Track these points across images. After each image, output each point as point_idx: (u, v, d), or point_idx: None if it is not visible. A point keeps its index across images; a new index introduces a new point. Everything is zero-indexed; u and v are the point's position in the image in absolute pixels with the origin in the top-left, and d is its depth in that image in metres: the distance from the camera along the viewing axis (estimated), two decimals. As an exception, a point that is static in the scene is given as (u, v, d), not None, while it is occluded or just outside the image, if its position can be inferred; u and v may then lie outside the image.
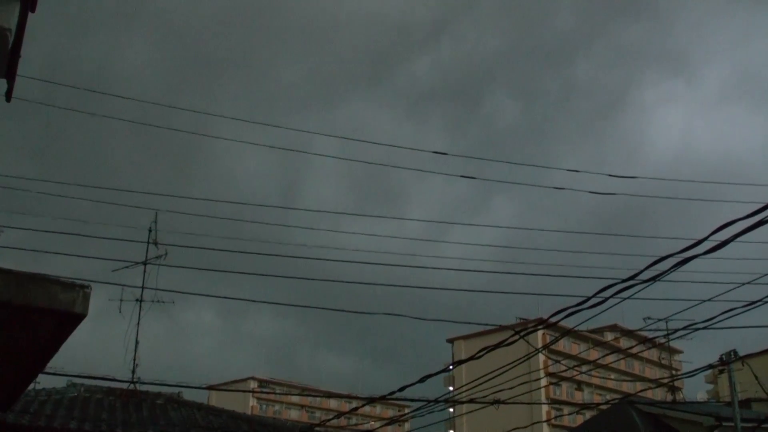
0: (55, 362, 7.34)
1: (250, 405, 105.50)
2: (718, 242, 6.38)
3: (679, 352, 73.64)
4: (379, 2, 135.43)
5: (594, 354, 73.19)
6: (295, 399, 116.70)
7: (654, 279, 7.59)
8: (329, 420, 34.79)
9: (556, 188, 18.11)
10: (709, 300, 12.17)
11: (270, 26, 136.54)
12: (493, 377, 13.06)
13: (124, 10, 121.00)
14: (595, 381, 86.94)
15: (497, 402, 16.10)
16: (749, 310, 9.57)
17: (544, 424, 72.93)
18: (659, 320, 20.92)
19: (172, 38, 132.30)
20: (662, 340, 24.37)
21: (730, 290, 11.72)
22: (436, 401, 14.69)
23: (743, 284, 11.57)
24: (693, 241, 6.61)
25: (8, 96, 7.19)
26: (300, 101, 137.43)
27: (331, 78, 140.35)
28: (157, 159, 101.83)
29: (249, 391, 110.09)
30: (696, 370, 16.88)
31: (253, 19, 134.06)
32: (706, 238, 6.42)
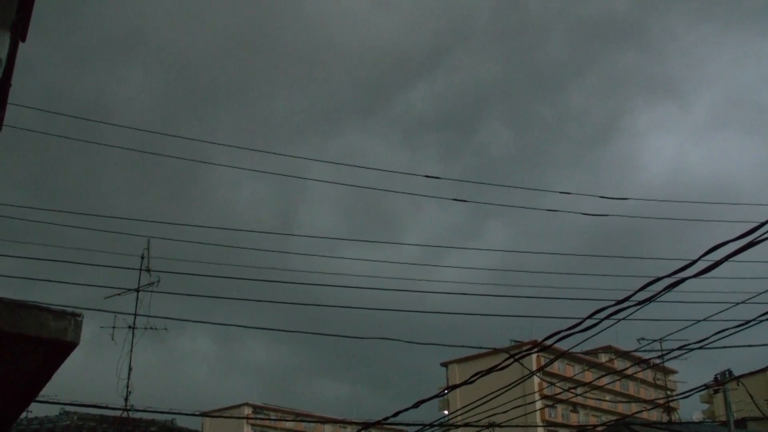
0: (48, 390, 7.31)
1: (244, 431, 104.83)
2: (710, 263, 6.39)
3: (674, 372, 73.55)
4: (375, 32, 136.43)
5: (589, 376, 73.01)
6: (289, 425, 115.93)
7: (647, 301, 7.59)
8: (324, 445, 34.52)
9: (548, 210, 18.15)
10: (702, 320, 12.18)
11: (266, 56, 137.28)
12: (488, 401, 13.02)
13: (122, 40, 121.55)
14: (591, 402, 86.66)
15: (492, 425, 16.05)
16: (743, 329, 9.58)
17: (540, 447, 72.60)
18: (653, 341, 20.94)
19: (169, 69, 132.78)
20: (657, 361, 24.36)
21: (724, 310, 11.73)
22: (431, 425, 14.64)
23: (736, 304, 11.59)
24: (685, 263, 6.62)
25: (-1, 125, 7.20)
26: (296, 130, 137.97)
27: (327, 107, 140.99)
28: (154, 187, 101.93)
29: (243, 418, 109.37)
30: (691, 390, 16.88)
31: (250, 49, 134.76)
32: (697, 260, 6.44)
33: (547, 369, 72.45)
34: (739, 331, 9.62)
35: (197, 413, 22.00)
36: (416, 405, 11.76)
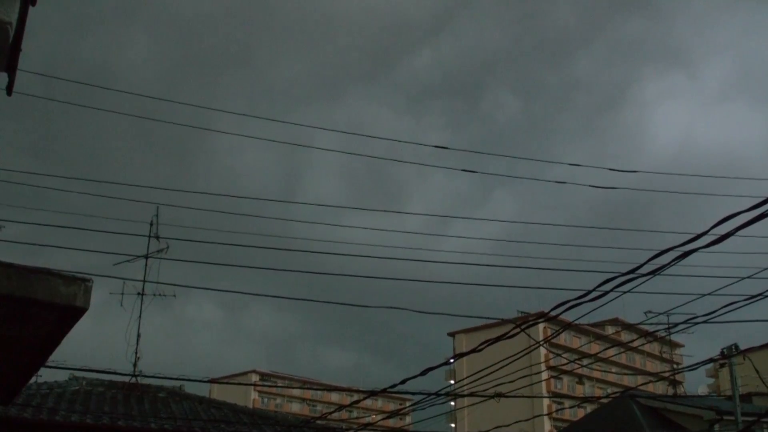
0: (57, 356, 7.36)
1: (251, 398, 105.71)
2: (719, 236, 6.37)
3: (680, 345, 73.70)
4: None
5: (595, 348, 73.16)
6: (296, 392, 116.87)
7: (655, 272, 7.57)
8: (330, 413, 34.71)
9: (558, 182, 18.04)
10: (710, 294, 12.17)
11: (270, 22, 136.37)
12: (494, 371, 13.08)
13: (125, 5, 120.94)
14: (596, 374, 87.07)
15: (498, 395, 16.09)
16: (750, 303, 9.56)
17: (546, 418, 73.03)
18: (660, 314, 20.89)
19: (172, 34, 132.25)
20: (663, 334, 24.36)
21: (731, 284, 11.72)
22: (437, 394, 14.69)
23: (744, 278, 11.58)
24: (694, 235, 6.60)
25: (9, 90, 7.19)
26: (300, 97, 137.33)
27: (331, 74, 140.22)
28: (158, 154, 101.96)
29: (250, 385, 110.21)
30: (697, 363, 16.84)
31: (253, 16, 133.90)
32: (706, 232, 6.41)
33: (554, 340, 72.61)
34: (746, 305, 9.61)
35: (205, 380, 22.12)
36: (423, 373, 11.80)
